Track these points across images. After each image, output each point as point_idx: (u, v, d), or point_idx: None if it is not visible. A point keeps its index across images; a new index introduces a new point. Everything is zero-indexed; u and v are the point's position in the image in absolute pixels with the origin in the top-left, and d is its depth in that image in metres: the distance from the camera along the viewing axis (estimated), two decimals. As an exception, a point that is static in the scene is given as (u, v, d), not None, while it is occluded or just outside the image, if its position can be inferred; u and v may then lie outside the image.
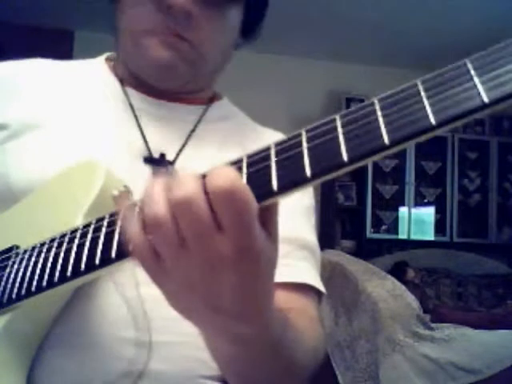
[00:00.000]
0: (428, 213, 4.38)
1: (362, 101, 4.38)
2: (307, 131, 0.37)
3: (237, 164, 0.38)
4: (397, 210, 4.34)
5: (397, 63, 4.40)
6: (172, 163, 0.69)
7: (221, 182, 0.34)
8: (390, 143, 0.33)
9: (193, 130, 0.73)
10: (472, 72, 0.32)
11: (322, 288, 0.70)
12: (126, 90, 0.73)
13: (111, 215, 0.46)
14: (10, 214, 0.63)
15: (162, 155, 0.69)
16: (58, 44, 3.79)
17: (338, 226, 4.39)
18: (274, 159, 0.37)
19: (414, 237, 4.31)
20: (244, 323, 0.42)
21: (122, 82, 0.74)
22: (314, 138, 0.36)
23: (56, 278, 0.48)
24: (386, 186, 4.37)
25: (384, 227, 4.35)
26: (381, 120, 0.34)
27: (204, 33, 0.67)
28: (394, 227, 4.34)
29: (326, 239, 3.99)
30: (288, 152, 0.37)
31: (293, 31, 3.90)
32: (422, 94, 0.33)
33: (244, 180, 0.37)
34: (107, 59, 0.79)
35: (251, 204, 0.35)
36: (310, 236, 0.74)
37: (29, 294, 0.51)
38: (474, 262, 4.11)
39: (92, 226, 0.47)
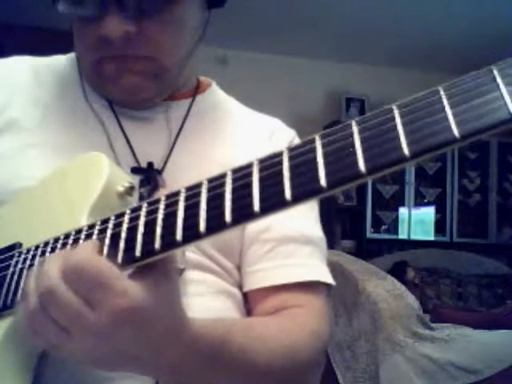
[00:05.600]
0: (428, 213, 4.37)
1: (361, 101, 4.40)
2: (321, 136, 0.36)
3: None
4: (397, 210, 4.34)
5: (397, 63, 4.39)
6: (160, 172, 0.66)
7: (66, 267, 0.39)
8: (411, 155, 0.31)
9: (179, 131, 0.70)
10: (498, 80, 0.30)
11: (330, 280, 0.70)
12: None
13: (117, 216, 0.45)
14: (9, 210, 0.62)
15: (150, 164, 0.66)
16: (58, 44, 3.78)
17: (338, 226, 4.39)
18: (286, 166, 0.36)
19: (413, 237, 4.30)
20: (160, 361, 0.44)
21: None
22: (329, 143, 0.35)
23: None
24: (386, 186, 4.36)
25: (384, 227, 4.34)
26: (400, 129, 0.32)
27: (156, 42, 0.62)
28: (394, 227, 4.34)
29: (326, 239, 3.97)
30: (301, 157, 0.36)
31: (293, 31, 3.90)
32: (445, 102, 0.30)
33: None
34: None
35: (94, 276, 0.38)
36: (313, 229, 0.73)
37: None
38: (474, 262, 4.10)
39: (96, 228, 0.46)
